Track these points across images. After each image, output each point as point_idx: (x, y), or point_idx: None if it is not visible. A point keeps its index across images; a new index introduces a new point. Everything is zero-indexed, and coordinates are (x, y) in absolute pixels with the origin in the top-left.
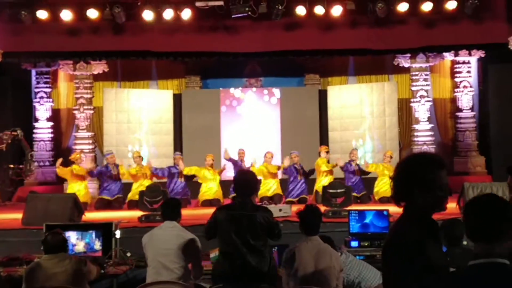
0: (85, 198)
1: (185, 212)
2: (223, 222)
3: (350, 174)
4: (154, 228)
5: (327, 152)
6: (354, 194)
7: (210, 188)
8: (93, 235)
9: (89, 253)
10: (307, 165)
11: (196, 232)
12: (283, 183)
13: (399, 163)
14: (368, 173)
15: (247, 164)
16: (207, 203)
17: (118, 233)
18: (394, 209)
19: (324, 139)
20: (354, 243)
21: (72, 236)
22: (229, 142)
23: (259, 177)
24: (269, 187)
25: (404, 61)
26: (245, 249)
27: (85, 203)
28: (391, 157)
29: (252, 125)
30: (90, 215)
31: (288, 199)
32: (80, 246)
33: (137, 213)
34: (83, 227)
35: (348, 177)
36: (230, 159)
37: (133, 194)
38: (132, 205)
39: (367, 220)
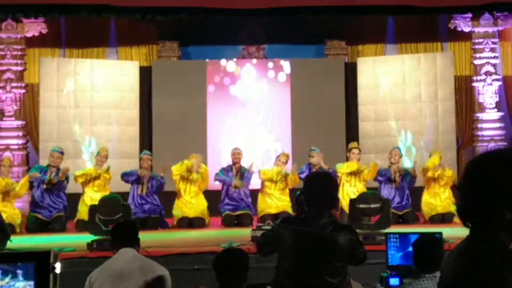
0: (13, 218)
1: (155, 236)
2: (288, 242)
3: (387, 182)
4: (106, 261)
5: (359, 150)
6: (394, 211)
7: (189, 201)
8: (22, 271)
9: None
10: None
11: (169, 265)
12: (292, 195)
13: (470, 164)
14: (413, 179)
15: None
16: (186, 223)
17: (58, 267)
18: (450, 232)
19: (352, 132)
20: (393, 280)
21: None
22: (218, 135)
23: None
24: (273, 203)
25: (463, 24)
26: (314, 286)
27: (11, 225)
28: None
29: (251, 112)
30: (18, 240)
31: None
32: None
33: (87, 238)
34: (8, 258)
35: (386, 187)
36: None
37: (84, 212)
38: (81, 226)
39: (412, 248)
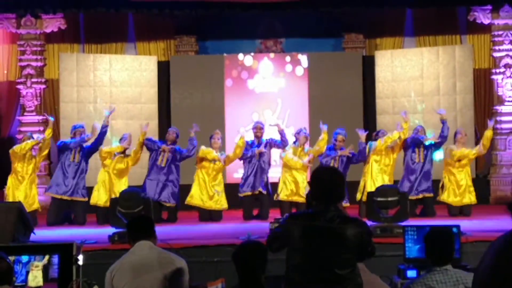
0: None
1: (174, 228)
2: (296, 237)
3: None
4: (124, 255)
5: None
6: (413, 197)
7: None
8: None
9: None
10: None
11: (189, 257)
12: None
13: None
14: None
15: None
16: (206, 216)
17: (81, 259)
18: (468, 225)
19: (370, 125)
20: (411, 273)
21: (15, 263)
22: (236, 129)
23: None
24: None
25: (483, 16)
26: (324, 280)
27: (34, 212)
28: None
29: (269, 105)
30: (41, 233)
31: None
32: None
33: (108, 230)
34: (33, 250)
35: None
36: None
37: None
38: (102, 219)
39: (423, 240)
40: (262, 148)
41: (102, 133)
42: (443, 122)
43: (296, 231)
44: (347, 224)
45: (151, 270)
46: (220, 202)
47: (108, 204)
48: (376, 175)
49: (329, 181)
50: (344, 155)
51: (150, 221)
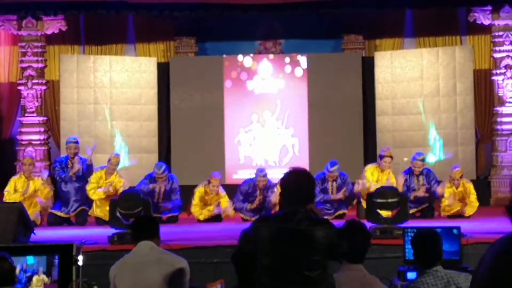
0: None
1: (174, 229)
2: (265, 240)
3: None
4: (125, 255)
5: (391, 158)
6: (413, 211)
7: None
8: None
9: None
10: (347, 168)
11: (189, 258)
12: None
13: None
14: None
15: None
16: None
17: (81, 259)
18: (468, 227)
19: (369, 126)
20: (411, 274)
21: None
22: (235, 130)
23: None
24: None
25: (483, 17)
26: (295, 282)
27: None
28: (461, 177)
29: (268, 107)
30: (41, 234)
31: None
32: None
33: (107, 231)
34: (33, 251)
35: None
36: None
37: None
38: (102, 220)
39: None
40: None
41: (89, 172)
42: None
43: (265, 234)
44: (316, 226)
45: (150, 270)
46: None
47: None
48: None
49: (297, 183)
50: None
51: (154, 221)
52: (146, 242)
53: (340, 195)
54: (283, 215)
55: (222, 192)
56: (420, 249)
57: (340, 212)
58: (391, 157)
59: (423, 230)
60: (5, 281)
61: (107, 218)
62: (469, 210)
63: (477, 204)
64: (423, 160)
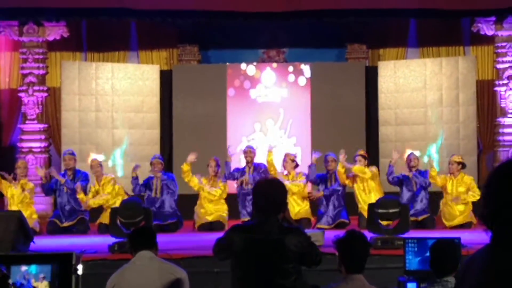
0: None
1: (174, 238)
2: (238, 249)
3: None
4: (124, 265)
5: (364, 158)
6: (413, 218)
7: (210, 206)
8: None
9: None
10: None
11: (189, 268)
12: (313, 203)
13: (494, 170)
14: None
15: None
16: (207, 227)
17: (80, 268)
18: (469, 237)
19: (372, 136)
20: (411, 285)
21: (15, 272)
22: (238, 139)
23: None
24: (291, 209)
25: (486, 27)
26: None
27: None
28: (460, 165)
29: (271, 115)
30: (41, 242)
31: (320, 224)
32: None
33: (108, 240)
34: (32, 260)
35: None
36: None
37: (106, 216)
38: (103, 229)
39: (429, 251)
40: (247, 177)
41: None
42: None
43: (237, 243)
44: (287, 234)
45: (151, 280)
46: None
47: None
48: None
49: (268, 193)
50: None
51: (151, 231)
52: (145, 252)
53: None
54: (255, 225)
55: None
56: (438, 258)
57: (340, 221)
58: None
59: (443, 240)
60: None
61: None
62: (471, 197)
63: (479, 193)
64: (417, 158)
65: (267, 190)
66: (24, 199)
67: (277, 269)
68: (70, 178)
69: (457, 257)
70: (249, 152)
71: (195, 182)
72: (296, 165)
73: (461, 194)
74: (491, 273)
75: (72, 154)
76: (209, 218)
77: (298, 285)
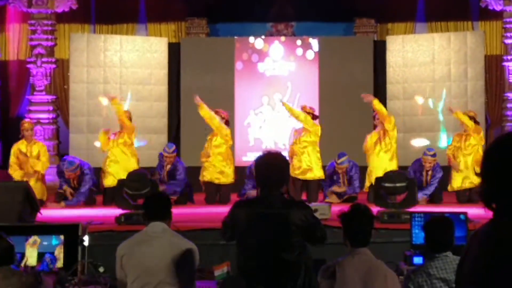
0: (40, 192)
1: (183, 211)
2: (242, 224)
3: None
4: (135, 234)
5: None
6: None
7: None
8: (52, 241)
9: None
10: (357, 151)
11: (196, 240)
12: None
13: (492, 145)
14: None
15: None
16: (212, 189)
17: (86, 239)
18: (476, 212)
19: None
20: (417, 259)
21: (20, 243)
22: (246, 112)
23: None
24: (299, 164)
25: (495, 3)
26: (273, 265)
27: (41, 200)
28: (473, 119)
29: (279, 89)
30: (47, 213)
31: (329, 199)
32: (32, 258)
33: (114, 212)
34: (38, 231)
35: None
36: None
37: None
38: (109, 198)
39: (423, 229)
40: None
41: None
42: None
43: (241, 219)
44: (291, 208)
45: (161, 252)
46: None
47: None
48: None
49: (269, 165)
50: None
51: (167, 200)
52: (158, 223)
53: (341, 189)
54: (258, 199)
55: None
56: (432, 235)
57: (350, 195)
58: None
59: (435, 216)
60: (4, 259)
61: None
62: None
63: None
64: (434, 155)
65: (269, 163)
66: None
67: (280, 244)
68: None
69: (451, 233)
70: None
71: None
72: (314, 117)
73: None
74: (491, 243)
75: (75, 169)
76: (214, 178)
77: (303, 259)
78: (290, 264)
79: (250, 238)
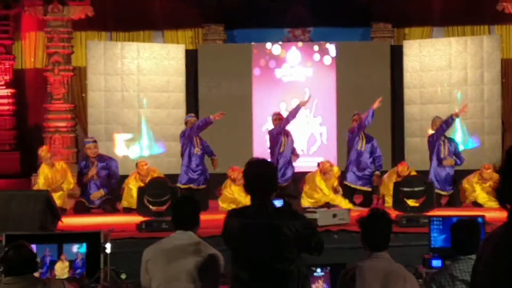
0: (61, 200)
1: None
2: (235, 234)
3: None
4: (162, 239)
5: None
6: (439, 191)
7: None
8: (74, 249)
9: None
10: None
11: (216, 246)
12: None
13: (510, 149)
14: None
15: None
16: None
17: (108, 247)
18: (494, 215)
19: (397, 115)
20: (436, 262)
21: (42, 251)
22: (264, 118)
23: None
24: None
25: (511, 6)
26: (265, 275)
27: (62, 208)
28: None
29: (296, 95)
30: (68, 221)
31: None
32: (60, 266)
33: (135, 219)
34: (61, 239)
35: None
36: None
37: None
38: (128, 210)
39: (450, 231)
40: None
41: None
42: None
43: (234, 228)
44: (282, 218)
45: (186, 261)
46: None
47: None
48: None
49: (256, 175)
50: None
51: (196, 207)
52: (185, 232)
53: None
54: (249, 208)
55: None
56: (458, 237)
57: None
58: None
59: (463, 219)
60: (27, 267)
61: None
62: None
63: None
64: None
65: (257, 171)
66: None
67: (273, 254)
68: (96, 165)
69: (478, 236)
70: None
71: None
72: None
73: None
74: (503, 245)
75: (95, 142)
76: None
77: (296, 268)
78: (283, 274)
79: (242, 247)
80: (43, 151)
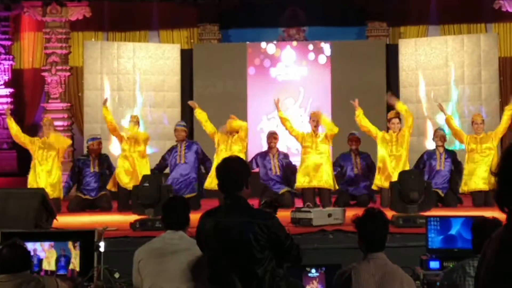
0: (56, 190)
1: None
2: (207, 234)
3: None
4: (153, 239)
5: (399, 120)
6: (436, 189)
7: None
8: (69, 247)
9: (61, 273)
10: (371, 151)
11: None
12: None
13: (507, 150)
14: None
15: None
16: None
17: (102, 245)
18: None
19: None
20: (434, 264)
21: (37, 249)
22: (258, 118)
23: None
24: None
25: (508, 4)
26: (242, 276)
27: (57, 199)
28: (482, 123)
29: (291, 94)
30: (63, 219)
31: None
32: (50, 263)
33: (130, 218)
34: (55, 237)
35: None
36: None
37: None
38: (124, 204)
39: (453, 231)
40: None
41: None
42: None
43: (208, 228)
44: (253, 217)
45: (178, 260)
46: None
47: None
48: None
49: (226, 170)
50: None
51: (185, 207)
52: (176, 232)
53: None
54: (224, 208)
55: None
56: (478, 235)
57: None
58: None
59: (484, 217)
60: (22, 265)
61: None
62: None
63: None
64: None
65: (226, 167)
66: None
67: (248, 254)
68: (97, 162)
69: None
70: (272, 138)
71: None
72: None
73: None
74: (503, 249)
75: (98, 138)
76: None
77: (269, 269)
78: (253, 274)
79: (216, 247)
80: (47, 120)
